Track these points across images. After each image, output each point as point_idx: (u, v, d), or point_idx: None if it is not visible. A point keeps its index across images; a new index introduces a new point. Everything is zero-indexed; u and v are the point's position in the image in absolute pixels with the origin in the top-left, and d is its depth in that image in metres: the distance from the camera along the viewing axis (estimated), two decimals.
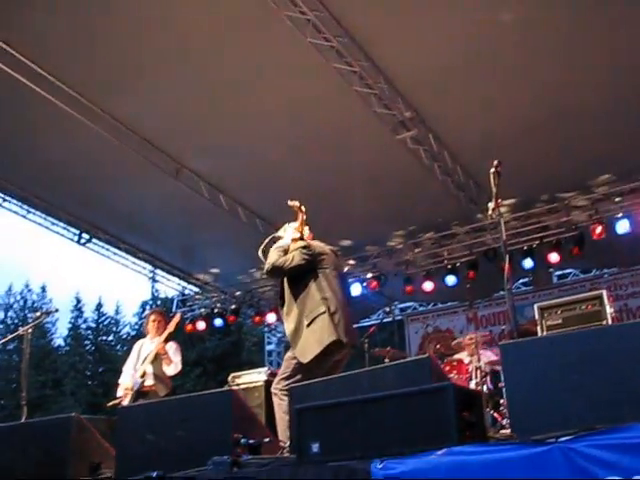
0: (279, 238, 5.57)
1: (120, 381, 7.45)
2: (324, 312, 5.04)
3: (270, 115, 8.43)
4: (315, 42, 7.02)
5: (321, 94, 7.93)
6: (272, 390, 5.17)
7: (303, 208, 5.52)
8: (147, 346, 7.45)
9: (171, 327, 7.38)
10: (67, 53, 7.45)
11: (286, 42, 7.12)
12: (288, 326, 5.22)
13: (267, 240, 5.65)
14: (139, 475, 3.89)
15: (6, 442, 4.99)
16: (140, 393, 7.14)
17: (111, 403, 7.49)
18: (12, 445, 4.90)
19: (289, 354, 5.21)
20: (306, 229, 5.66)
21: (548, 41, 7.24)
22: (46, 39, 7.27)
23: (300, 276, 5.26)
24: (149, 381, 7.19)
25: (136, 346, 7.68)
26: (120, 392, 7.31)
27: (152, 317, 7.67)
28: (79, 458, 4.65)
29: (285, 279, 5.38)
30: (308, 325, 5.06)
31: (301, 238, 5.52)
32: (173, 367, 7.27)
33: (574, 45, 7.29)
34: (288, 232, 5.59)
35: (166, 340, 7.32)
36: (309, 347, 4.98)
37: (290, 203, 5.57)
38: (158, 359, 7.22)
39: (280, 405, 4.98)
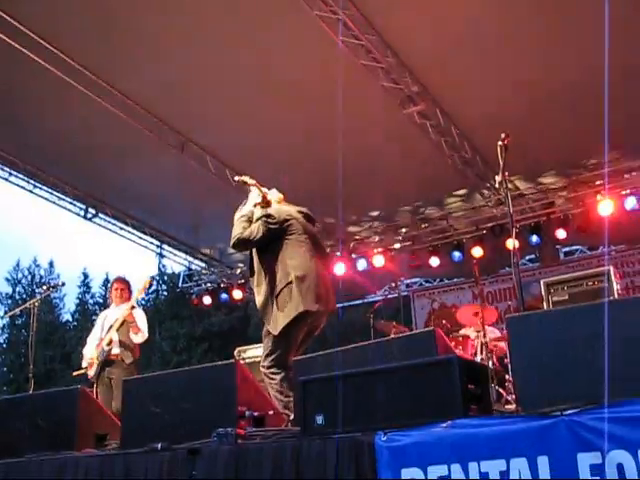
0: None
1: (84, 352, 7.43)
2: (290, 282, 4.84)
3: (276, 91, 8.38)
4: (322, 15, 6.93)
5: (328, 68, 7.83)
6: (261, 370, 4.97)
7: (248, 178, 5.28)
8: (112, 315, 7.40)
9: (140, 292, 7.37)
10: (75, 28, 7.41)
11: (291, 15, 7.04)
12: (258, 299, 5.02)
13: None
14: (144, 447, 3.92)
15: (14, 413, 5.05)
16: (106, 361, 7.13)
17: (76, 373, 7.50)
18: (20, 416, 4.95)
19: (264, 330, 5.02)
20: (274, 191, 5.39)
21: (557, 19, 7.14)
22: (54, 14, 7.20)
23: (267, 245, 5.04)
24: (115, 349, 7.16)
25: (100, 317, 7.66)
26: (85, 363, 7.31)
27: (115, 285, 7.64)
28: (85, 429, 4.70)
29: (254, 249, 5.16)
30: (277, 296, 4.88)
31: (265, 201, 5.23)
32: (141, 335, 7.25)
33: (584, 25, 7.17)
34: (250, 198, 5.34)
35: (133, 307, 7.30)
36: (278, 320, 4.82)
37: (237, 178, 5.37)
38: (125, 326, 7.19)
39: (271, 385, 4.82)
